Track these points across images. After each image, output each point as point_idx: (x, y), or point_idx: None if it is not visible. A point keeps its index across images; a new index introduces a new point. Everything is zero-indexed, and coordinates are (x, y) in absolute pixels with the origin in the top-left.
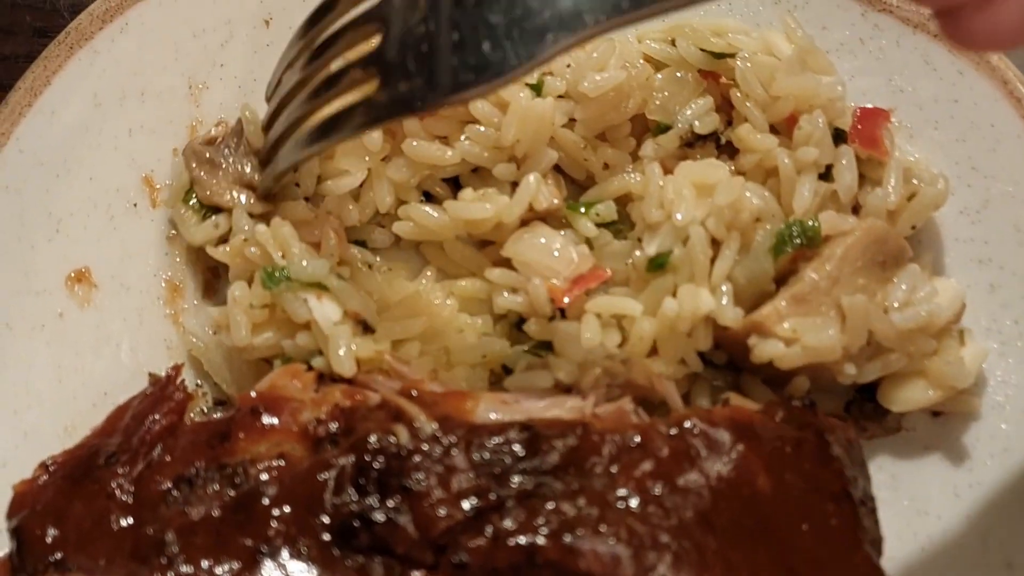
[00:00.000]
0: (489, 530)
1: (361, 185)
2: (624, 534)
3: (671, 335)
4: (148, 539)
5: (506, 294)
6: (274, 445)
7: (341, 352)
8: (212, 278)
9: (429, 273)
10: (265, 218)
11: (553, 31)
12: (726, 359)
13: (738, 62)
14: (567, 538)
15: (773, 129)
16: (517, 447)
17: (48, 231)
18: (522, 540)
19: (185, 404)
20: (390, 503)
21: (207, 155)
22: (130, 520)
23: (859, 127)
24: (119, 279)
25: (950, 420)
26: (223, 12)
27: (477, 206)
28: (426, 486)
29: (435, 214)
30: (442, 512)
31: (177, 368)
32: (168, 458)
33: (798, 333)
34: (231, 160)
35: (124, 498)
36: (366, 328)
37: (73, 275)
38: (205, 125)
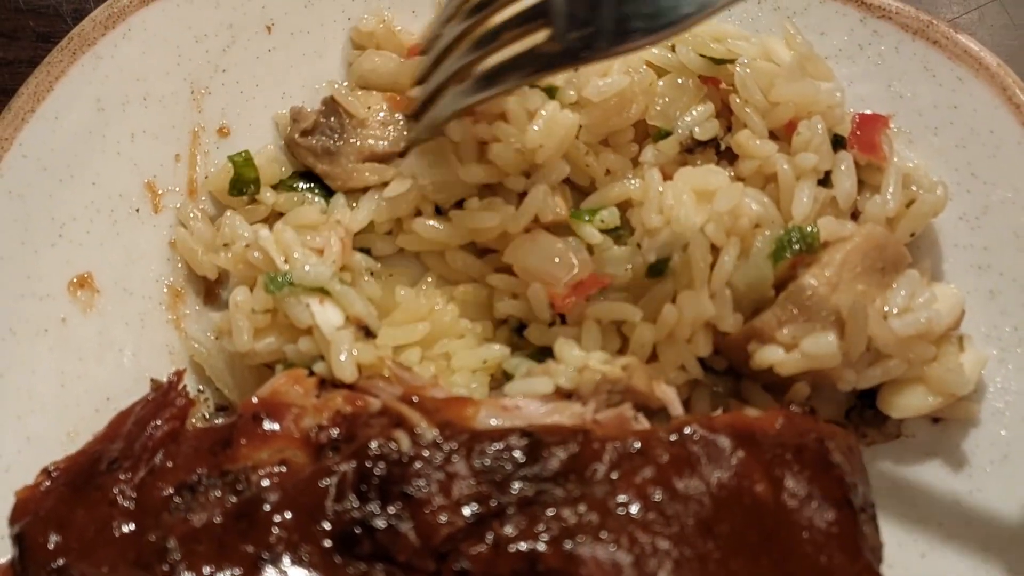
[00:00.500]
0: (490, 537)
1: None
2: (625, 541)
3: (671, 341)
4: (150, 546)
5: (506, 299)
6: (276, 451)
7: (343, 357)
8: (214, 283)
9: (430, 279)
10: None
11: None
12: (726, 365)
13: (737, 68)
14: (568, 545)
15: (772, 135)
16: (518, 454)
17: (51, 236)
18: (523, 547)
19: (187, 410)
20: (391, 510)
21: (317, 144)
22: (132, 527)
23: (858, 133)
24: (122, 284)
25: (950, 426)
26: (225, 17)
27: (483, 215)
28: (427, 493)
29: (440, 227)
30: (443, 519)
31: (179, 374)
32: (170, 464)
33: (797, 339)
34: (341, 140)
35: (126, 504)
36: (367, 333)
37: (76, 280)
38: (208, 131)
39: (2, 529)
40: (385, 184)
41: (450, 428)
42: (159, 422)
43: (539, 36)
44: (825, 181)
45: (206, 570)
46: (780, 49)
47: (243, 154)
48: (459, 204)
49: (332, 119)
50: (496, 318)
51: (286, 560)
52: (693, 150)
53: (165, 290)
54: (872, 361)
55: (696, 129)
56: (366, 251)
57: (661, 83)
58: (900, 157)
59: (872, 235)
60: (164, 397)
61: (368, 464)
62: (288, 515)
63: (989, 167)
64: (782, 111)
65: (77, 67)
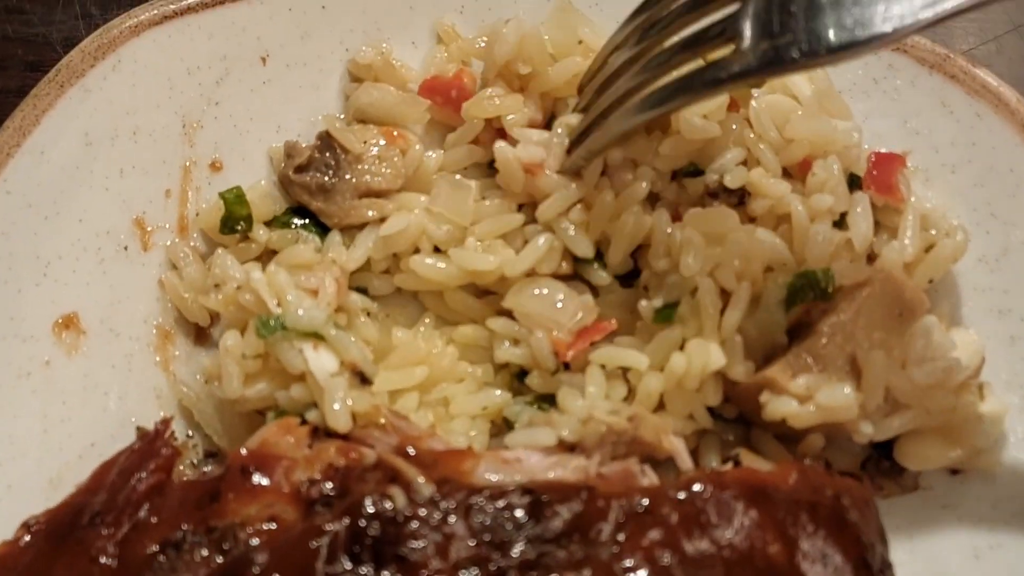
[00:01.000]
0: None
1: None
2: None
3: (679, 391)
4: None
5: (507, 345)
6: (265, 507)
7: (336, 406)
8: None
9: (428, 320)
10: None
11: None
12: (737, 412)
13: (752, 102)
14: None
15: (786, 172)
16: (519, 513)
17: (36, 275)
18: None
19: (173, 460)
20: (385, 573)
21: (311, 181)
22: None
23: (874, 173)
24: (108, 324)
25: (970, 479)
26: (219, 48)
27: (480, 257)
28: (423, 555)
29: (439, 265)
30: None
31: (166, 422)
32: (154, 519)
33: (812, 391)
34: (336, 176)
35: (108, 562)
36: (363, 379)
37: (61, 321)
38: (200, 166)
39: None
40: (383, 220)
41: (448, 484)
42: (144, 474)
43: (723, 51)
44: (840, 222)
45: None
46: (800, 82)
47: (235, 190)
48: None
49: (327, 154)
50: (497, 362)
51: None
52: (718, 195)
53: (154, 331)
54: (889, 412)
55: (727, 176)
56: (363, 290)
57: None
58: (917, 197)
59: (889, 280)
60: (150, 446)
61: (361, 523)
62: None
63: (1009, 207)
64: (797, 148)
65: (64, 100)
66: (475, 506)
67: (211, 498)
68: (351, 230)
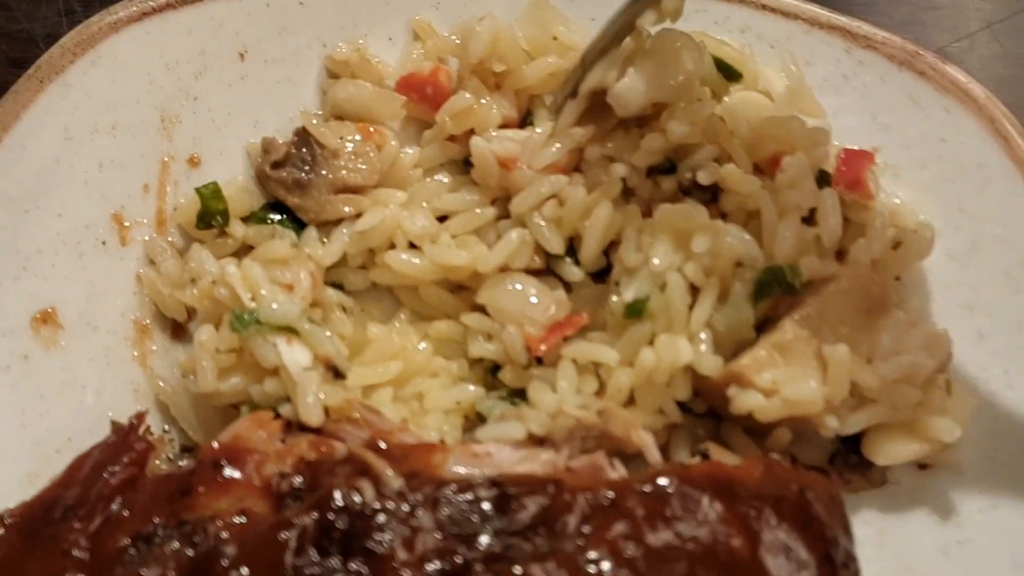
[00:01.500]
0: None
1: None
2: None
3: (649, 385)
4: None
5: (480, 341)
6: (235, 500)
7: (310, 400)
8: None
9: (403, 315)
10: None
11: None
12: (707, 407)
13: (726, 98)
14: None
15: (757, 168)
16: (486, 506)
17: (15, 269)
18: None
19: (147, 455)
20: (353, 566)
21: (288, 177)
22: None
23: (843, 169)
24: (86, 319)
25: (937, 473)
26: (197, 44)
27: (453, 252)
28: (390, 548)
29: (414, 260)
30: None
31: (140, 416)
32: (127, 513)
33: (778, 384)
34: (313, 172)
35: (80, 555)
36: (337, 374)
37: (39, 315)
38: (178, 160)
39: None
40: (359, 216)
41: (417, 477)
42: (117, 468)
43: None
44: (810, 219)
45: None
46: (774, 77)
47: (211, 185)
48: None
49: (304, 150)
50: (471, 357)
51: None
52: (691, 191)
53: (131, 325)
54: (856, 406)
55: (700, 174)
56: (338, 286)
57: None
58: (886, 193)
59: (857, 275)
60: (124, 441)
61: (330, 516)
62: (245, 570)
63: (978, 202)
64: (767, 144)
65: (45, 95)
66: (443, 499)
67: (182, 492)
68: (327, 226)
